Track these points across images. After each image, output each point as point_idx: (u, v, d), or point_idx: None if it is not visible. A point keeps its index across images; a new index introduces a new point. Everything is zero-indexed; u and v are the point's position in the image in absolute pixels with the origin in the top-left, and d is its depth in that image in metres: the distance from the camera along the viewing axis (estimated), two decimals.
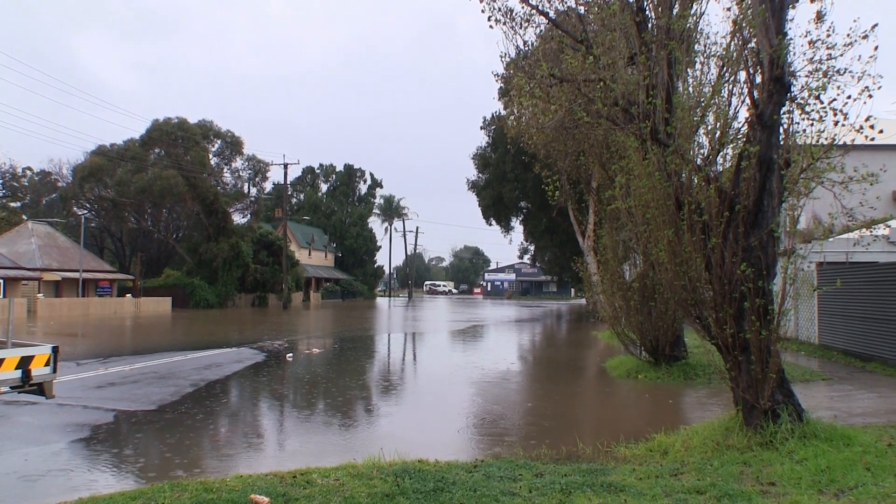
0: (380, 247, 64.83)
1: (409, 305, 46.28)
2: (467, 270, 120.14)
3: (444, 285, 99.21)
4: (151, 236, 37.04)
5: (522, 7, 6.01)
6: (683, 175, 5.36)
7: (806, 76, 4.69)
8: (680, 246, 5.78)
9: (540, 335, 19.47)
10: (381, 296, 73.42)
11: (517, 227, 57.66)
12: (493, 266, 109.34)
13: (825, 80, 4.59)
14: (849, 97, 4.47)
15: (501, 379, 9.26)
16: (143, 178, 30.66)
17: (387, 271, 78.60)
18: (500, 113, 28.04)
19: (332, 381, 8.90)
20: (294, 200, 61.85)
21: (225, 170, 38.05)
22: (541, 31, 6.80)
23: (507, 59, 6.91)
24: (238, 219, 39.34)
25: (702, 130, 5.46)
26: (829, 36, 4.62)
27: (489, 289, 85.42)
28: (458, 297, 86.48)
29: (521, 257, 41.40)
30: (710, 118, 5.31)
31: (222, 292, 34.21)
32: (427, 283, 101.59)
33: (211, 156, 36.08)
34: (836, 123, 4.51)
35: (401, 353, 13.73)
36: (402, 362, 11.95)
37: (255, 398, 7.76)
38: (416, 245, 72.72)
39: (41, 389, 4.23)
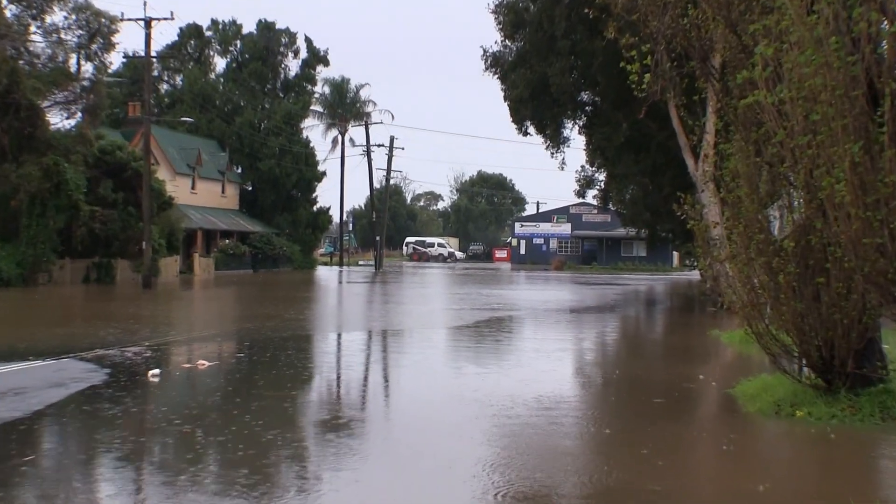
0: (323, 174, 66.31)
1: (376, 280, 47.86)
2: (483, 219, 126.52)
3: (441, 244, 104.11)
4: None
5: None
6: (884, 44, 5.07)
7: None
8: (874, 174, 5.67)
9: (616, 336, 20.19)
10: (328, 263, 75.91)
11: (574, 138, 56.17)
12: (529, 211, 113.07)
13: None
14: None
15: (546, 418, 9.41)
16: None
17: (337, 219, 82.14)
18: None
19: (234, 423, 8.90)
20: (166, 87, 62.52)
21: (32, 28, 36.85)
22: None
23: None
24: (58, 121, 38.14)
25: None
26: None
27: (522, 251, 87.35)
28: (466, 265, 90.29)
29: (580, 194, 41.76)
30: None
31: (28, 257, 33.70)
32: (410, 240, 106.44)
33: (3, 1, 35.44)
34: None
35: (361, 369, 14.02)
36: (364, 387, 12.21)
37: (86, 459, 7.58)
38: (389, 171, 72.27)
39: None
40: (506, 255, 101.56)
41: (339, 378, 12.79)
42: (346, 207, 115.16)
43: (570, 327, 21.39)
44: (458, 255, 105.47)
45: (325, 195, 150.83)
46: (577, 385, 12.53)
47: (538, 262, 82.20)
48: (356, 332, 19.49)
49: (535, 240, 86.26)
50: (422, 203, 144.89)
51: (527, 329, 21.05)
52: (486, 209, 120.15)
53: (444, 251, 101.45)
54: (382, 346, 17.43)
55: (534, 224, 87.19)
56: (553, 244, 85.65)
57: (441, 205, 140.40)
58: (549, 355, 15.29)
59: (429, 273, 61.77)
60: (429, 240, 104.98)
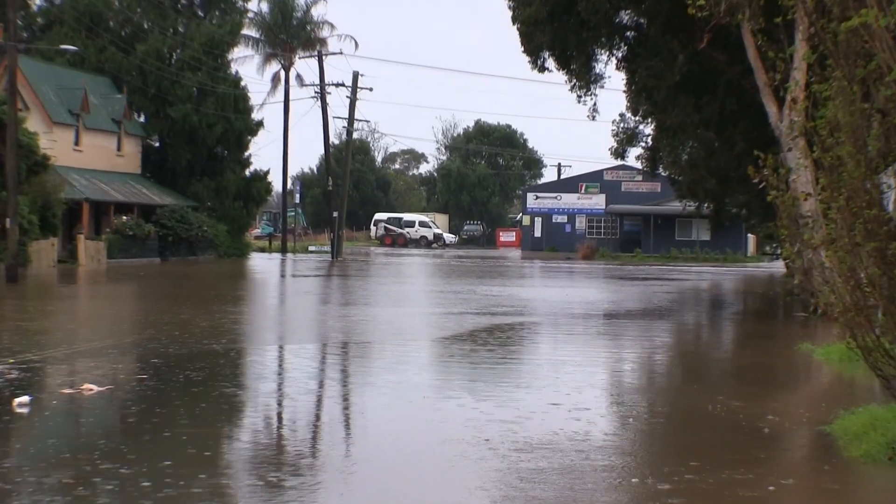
0: (260, 125, 66.69)
1: (333, 273, 48.56)
2: (482, 187, 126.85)
3: (423, 223, 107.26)
4: None
5: None
6: None
7: None
8: None
9: (669, 353, 20.47)
10: (266, 249, 77.33)
11: (610, 76, 55.45)
12: (547, 177, 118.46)
13: None
14: None
15: (573, 469, 9.43)
16: None
17: (279, 188, 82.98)
18: None
19: (133, 472, 8.82)
20: (39, 2, 62.07)
21: None
22: None
23: None
24: None
25: None
26: None
27: (537, 232, 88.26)
28: (459, 251, 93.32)
29: (619, 154, 41.91)
30: None
31: None
32: (381, 217, 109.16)
33: None
34: None
35: (312, 397, 14.09)
36: (316, 422, 12.27)
37: None
38: (352, 121, 71.83)
39: None
40: (514, 239, 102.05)
41: (281, 409, 12.77)
42: (292, 171, 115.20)
43: (603, 340, 21.49)
44: (449, 237, 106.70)
45: (264, 155, 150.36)
46: (615, 420, 12.56)
47: (559, 247, 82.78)
48: (306, 344, 19.60)
49: (554, 217, 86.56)
50: (398, 166, 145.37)
51: (542, 342, 21.17)
52: (486, 174, 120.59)
53: (429, 233, 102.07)
54: (342, 364, 17.45)
55: (553, 195, 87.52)
56: (580, 223, 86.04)
57: (424, 168, 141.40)
58: (573, 377, 15.32)
59: (407, 262, 61.88)
60: (407, 217, 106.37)
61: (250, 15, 70.44)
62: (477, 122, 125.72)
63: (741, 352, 20.53)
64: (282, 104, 72.77)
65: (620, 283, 42.38)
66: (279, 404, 13.11)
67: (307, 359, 17.66)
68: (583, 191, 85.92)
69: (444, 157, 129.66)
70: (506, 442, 10.26)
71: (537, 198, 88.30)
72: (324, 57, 69.28)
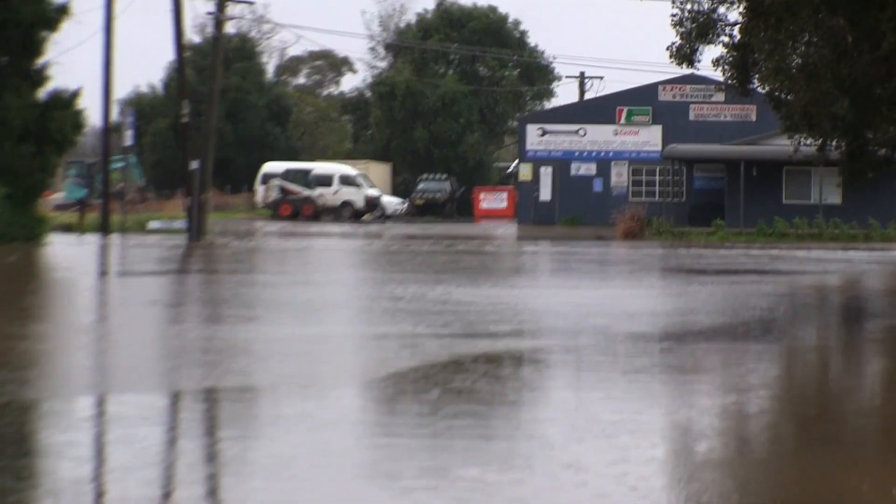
0: (64, 11, 65.35)
1: (191, 267, 49.83)
2: (449, 115, 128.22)
3: (348, 179, 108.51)
4: None
5: None
6: None
7: None
8: None
9: (776, 407, 20.28)
10: (75, 228, 77.40)
11: None
12: (562, 98, 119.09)
13: None
14: None
15: None
16: None
17: (98, 122, 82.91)
18: None
19: None
20: None
21: None
22: None
23: None
24: None
25: None
26: None
27: (545, 194, 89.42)
28: (411, 227, 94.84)
29: (684, 58, 41.84)
30: None
31: None
32: (273, 170, 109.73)
33: None
34: None
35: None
36: None
37: None
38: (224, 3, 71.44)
39: None
40: (505, 205, 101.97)
41: None
42: (121, 92, 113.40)
43: (662, 381, 21.49)
44: (392, 204, 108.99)
45: (73, 63, 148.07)
46: None
47: (584, 218, 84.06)
48: (142, 394, 19.29)
49: (575, 167, 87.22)
50: (304, 80, 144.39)
51: (556, 386, 21.02)
52: (457, 93, 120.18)
53: (357, 195, 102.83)
54: (201, 441, 16.99)
55: (573, 129, 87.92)
56: (619, 177, 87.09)
57: (350, 84, 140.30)
58: (616, 467, 15.00)
59: (319, 248, 62.31)
60: (320, 169, 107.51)
61: None
62: (440, 4, 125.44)
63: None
64: None
65: (689, 281, 42.72)
66: None
67: (143, 424, 17.24)
68: (623, 120, 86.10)
69: (384, 65, 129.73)
70: None
71: (544, 133, 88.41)
72: None
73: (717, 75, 50.45)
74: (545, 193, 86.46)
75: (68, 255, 54.79)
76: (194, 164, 64.41)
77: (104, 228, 72.08)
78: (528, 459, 14.90)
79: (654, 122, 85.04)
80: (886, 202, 74.98)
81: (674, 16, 39.91)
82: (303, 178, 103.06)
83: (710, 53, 42.69)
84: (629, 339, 26.41)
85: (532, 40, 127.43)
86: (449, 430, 16.71)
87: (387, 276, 43.71)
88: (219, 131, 74.69)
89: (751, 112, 76.89)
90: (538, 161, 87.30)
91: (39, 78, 64.24)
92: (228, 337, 26.00)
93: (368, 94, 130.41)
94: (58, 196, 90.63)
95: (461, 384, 19.85)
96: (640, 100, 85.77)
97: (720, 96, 78.10)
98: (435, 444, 15.83)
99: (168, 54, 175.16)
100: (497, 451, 15.33)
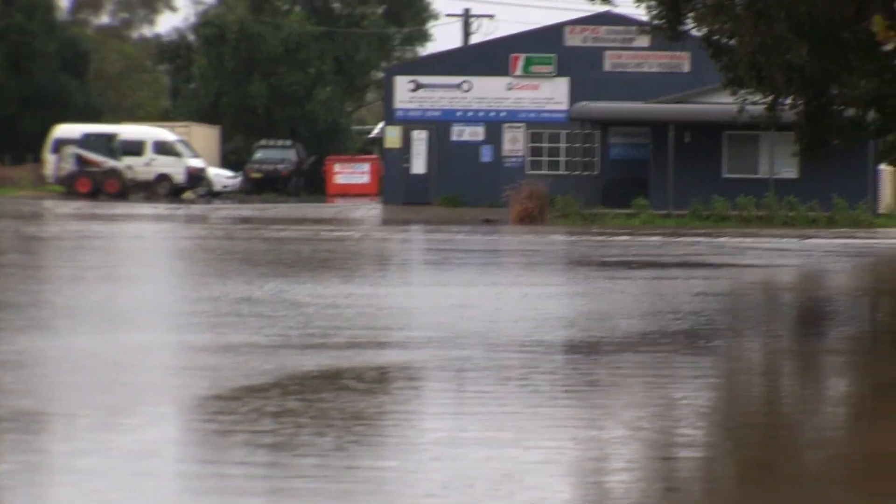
0: None
1: None
2: (294, 63, 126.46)
3: (161, 144, 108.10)
4: None
5: None
6: None
7: None
8: None
9: (712, 422, 20.09)
10: None
11: None
12: (438, 44, 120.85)
13: None
14: None
15: None
16: None
17: None
18: None
19: None
20: None
21: None
22: None
23: None
24: None
25: None
26: None
27: (418, 166, 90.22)
28: (239, 206, 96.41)
29: None
30: None
31: None
32: (67, 135, 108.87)
33: None
34: None
35: None
36: None
37: None
38: None
39: None
40: (366, 180, 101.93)
41: None
42: None
43: (568, 406, 21.10)
44: (222, 177, 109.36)
45: None
46: None
47: (469, 197, 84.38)
48: None
49: (456, 129, 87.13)
50: (107, 20, 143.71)
51: (426, 413, 20.54)
52: (302, 35, 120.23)
53: (176, 167, 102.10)
54: None
55: (453, 81, 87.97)
56: (511, 143, 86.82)
57: (167, 24, 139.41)
58: None
59: (128, 234, 62.21)
60: (129, 133, 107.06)
61: None
62: None
63: (870, 425, 20.38)
64: None
65: (600, 277, 42.78)
66: None
67: None
68: (519, 71, 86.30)
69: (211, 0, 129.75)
70: None
71: (418, 87, 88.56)
72: None
73: (641, 13, 50.72)
74: (418, 165, 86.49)
75: None
76: None
77: None
78: None
79: (559, 73, 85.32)
80: (854, 176, 75.33)
81: None
82: (106, 145, 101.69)
83: None
84: (520, 348, 26.29)
85: None
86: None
87: (207, 271, 43.44)
88: None
89: (683, 62, 77.49)
90: (410, 123, 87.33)
91: None
92: None
93: (192, 37, 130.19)
94: None
95: (291, 411, 19.45)
96: (542, 45, 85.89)
97: (644, 41, 78.15)
98: None
99: None
100: None
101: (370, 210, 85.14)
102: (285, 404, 20.18)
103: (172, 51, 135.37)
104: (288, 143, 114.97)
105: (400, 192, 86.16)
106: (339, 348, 26.07)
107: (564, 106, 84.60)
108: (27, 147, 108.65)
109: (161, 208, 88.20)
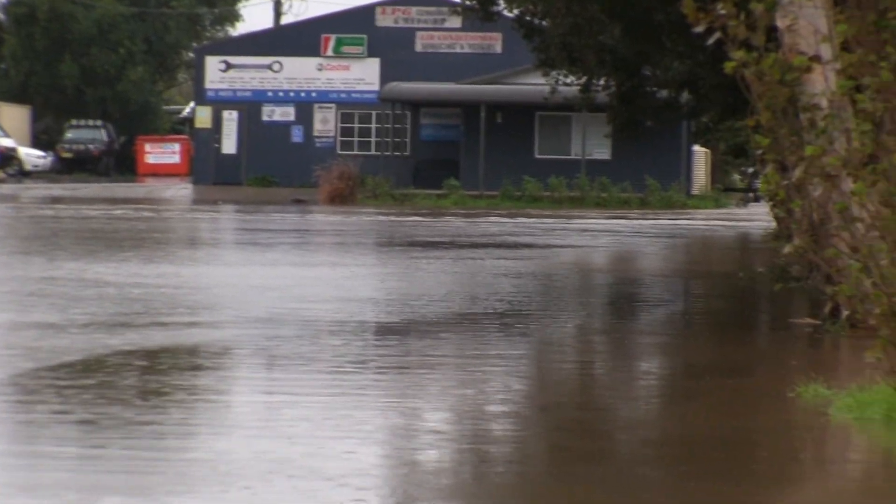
0: None
1: None
2: (105, 43, 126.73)
3: None
4: None
5: None
6: None
7: None
8: None
9: (521, 405, 20.14)
10: None
11: None
12: (249, 25, 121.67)
13: None
14: None
15: None
16: None
17: None
18: None
19: None
20: None
21: None
22: None
23: None
24: None
25: None
26: None
27: (226, 144, 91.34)
28: (50, 186, 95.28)
29: None
30: None
31: None
32: None
33: None
34: None
35: None
36: None
37: None
38: None
39: None
40: (177, 159, 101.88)
41: None
42: None
43: (375, 382, 20.97)
44: (32, 156, 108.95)
45: None
46: None
47: (278, 176, 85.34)
48: None
49: (266, 110, 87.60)
50: None
51: (235, 390, 20.39)
52: (113, 16, 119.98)
53: None
54: None
55: (264, 62, 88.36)
56: (322, 123, 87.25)
57: None
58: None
59: None
60: None
61: None
62: None
63: (683, 408, 20.49)
64: None
65: (409, 257, 43.07)
66: None
67: None
68: (330, 51, 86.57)
69: None
70: None
71: (229, 68, 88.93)
72: None
73: None
74: (229, 145, 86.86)
75: None
76: None
77: None
78: None
79: (371, 54, 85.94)
80: (667, 157, 76.29)
81: None
82: None
83: None
84: (330, 330, 26.42)
85: None
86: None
87: (13, 250, 43.12)
88: None
89: (495, 42, 78.04)
90: (220, 103, 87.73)
91: None
92: None
93: (1, 17, 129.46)
94: None
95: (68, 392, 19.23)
96: (353, 26, 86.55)
97: (456, 21, 78.76)
98: None
99: None
100: None
101: (180, 190, 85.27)
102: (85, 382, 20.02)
103: None
104: (99, 123, 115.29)
105: (210, 172, 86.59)
106: (144, 327, 25.79)
107: (376, 87, 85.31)
108: None
109: None
